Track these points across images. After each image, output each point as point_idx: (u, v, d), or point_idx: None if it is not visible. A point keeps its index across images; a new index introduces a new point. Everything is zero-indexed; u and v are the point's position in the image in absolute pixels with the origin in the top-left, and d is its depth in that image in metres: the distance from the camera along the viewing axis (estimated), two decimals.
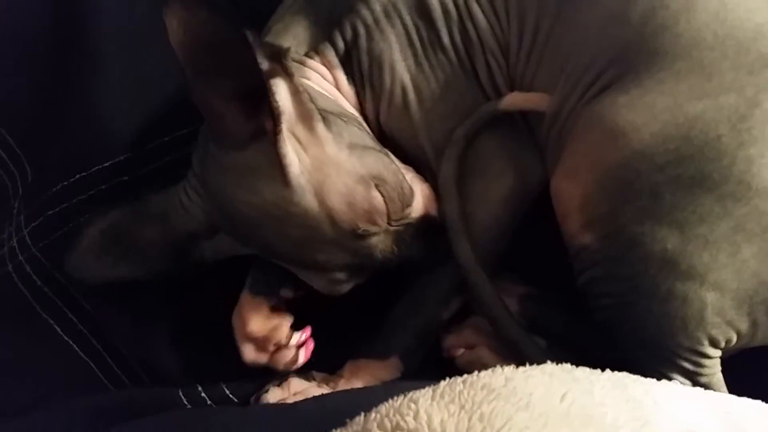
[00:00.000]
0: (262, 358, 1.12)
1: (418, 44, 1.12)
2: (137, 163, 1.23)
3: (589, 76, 1.01)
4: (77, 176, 1.22)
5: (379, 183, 1.03)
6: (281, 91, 1.00)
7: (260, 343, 1.12)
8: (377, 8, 1.12)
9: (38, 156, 1.28)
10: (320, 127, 1.03)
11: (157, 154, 1.24)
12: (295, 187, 1.00)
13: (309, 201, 1.01)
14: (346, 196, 1.01)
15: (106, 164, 1.22)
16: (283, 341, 1.11)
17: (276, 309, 1.14)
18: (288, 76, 1.01)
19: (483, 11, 1.10)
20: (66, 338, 1.22)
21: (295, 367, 1.11)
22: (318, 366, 1.13)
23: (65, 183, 1.23)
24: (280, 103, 0.98)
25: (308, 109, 1.03)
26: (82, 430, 1.07)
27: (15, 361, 1.23)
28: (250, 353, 1.12)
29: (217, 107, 0.98)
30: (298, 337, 1.12)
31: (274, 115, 0.97)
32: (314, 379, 1.10)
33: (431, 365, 1.12)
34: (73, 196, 1.22)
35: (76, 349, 1.22)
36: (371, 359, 1.11)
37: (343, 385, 1.10)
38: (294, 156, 1.00)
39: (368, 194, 1.02)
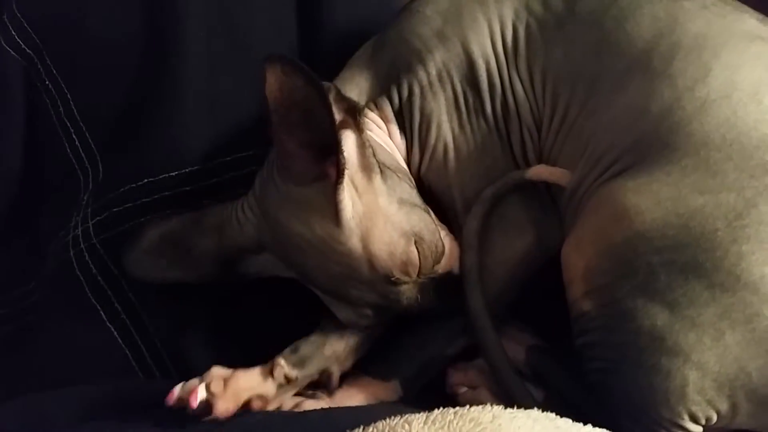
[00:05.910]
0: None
1: (463, 108, 1.19)
2: (200, 177, 1.32)
3: (606, 160, 1.07)
4: (145, 180, 1.32)
5: (418, 240, 1.11)
6: (349, 142, 1.10)
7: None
8: (433, 72, 1.20)
9: (112, 157, 1.36)
10: (377, 179, 1.12)
11: (219, 171, 1.33)
12: (344, 228, 1.08)
13: (354, 243, 1.09)
14: (388, 245, 1.09)
15: (172, 173, 1.32)
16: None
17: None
18: (359, 130, 1.11)
19: (524, 89, 1.18)
20: (108, 324, 1.29)
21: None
22: None
23: (132, 185, 1.32)
24: (346, 154, 1.06)
25: (370, 162, 1.12)
26: (103, 413, 1.12)
27: (58, 335, 1.31)
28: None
29: (290, 149, 1.07)
30: None
31: (339, 169, 1.06)
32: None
33: (428, 393, 1.17)
34: (138, 197, 1.31)
35: (116, 335, 1.28)
36: (373, 378, 1.19)
37: (341, 395, 1.17)
38: (349, 201, 1.08)
39: (408, 248, 1.10)
